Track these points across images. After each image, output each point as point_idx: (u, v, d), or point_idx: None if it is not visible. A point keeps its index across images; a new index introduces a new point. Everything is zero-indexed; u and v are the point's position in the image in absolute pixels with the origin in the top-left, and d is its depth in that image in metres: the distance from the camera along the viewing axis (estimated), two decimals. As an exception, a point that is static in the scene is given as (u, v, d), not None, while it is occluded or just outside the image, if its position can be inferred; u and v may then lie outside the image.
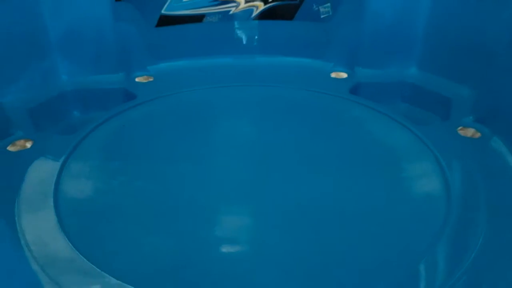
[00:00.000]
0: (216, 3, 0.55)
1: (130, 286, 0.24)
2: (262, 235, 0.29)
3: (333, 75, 0.53)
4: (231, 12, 0.56)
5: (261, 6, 0.56)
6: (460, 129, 0.40)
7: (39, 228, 0.28)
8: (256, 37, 0.57)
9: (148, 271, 0.26)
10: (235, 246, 0.29)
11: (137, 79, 0.51)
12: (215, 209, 0.31)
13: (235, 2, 0.55)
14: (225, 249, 0.28)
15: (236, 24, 0.56)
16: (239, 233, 0.30)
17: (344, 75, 0.52)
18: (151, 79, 0.51)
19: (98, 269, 0.25)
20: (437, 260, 0.27)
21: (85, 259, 0.26)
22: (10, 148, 0.37)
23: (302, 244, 0.28)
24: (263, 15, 0.56)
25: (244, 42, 0.57)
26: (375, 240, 0.28)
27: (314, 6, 0.55)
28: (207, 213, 0.30)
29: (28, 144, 0.37)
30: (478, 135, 0.39)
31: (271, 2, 0.55)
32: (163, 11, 0.54)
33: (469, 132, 0.40)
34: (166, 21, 0.54)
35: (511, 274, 0.25)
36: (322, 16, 0.55)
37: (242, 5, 0.56)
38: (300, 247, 0.28)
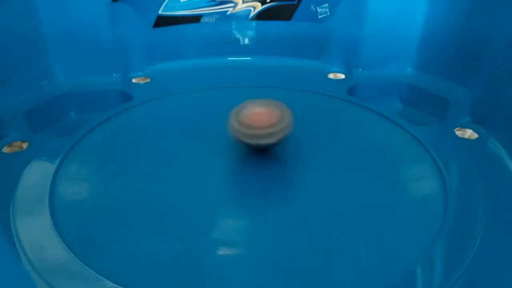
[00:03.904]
0: (213, 3, 0.55)
1: (127, 290, 0.24)
2: (260, 236, 0.29)
3: (330, 76, 0.53)
4: (228, 13, 0.56)
5: (259, 7, 0.56)
6: (457, 130, 0.40)
7: (35, 231, 0.28)
8: (254, 37, 0.57)
9: (145, 274, 0.26)
10: (234, 248, 0.28)
11: (133, 80, 0.51)
12: (213, 211, 0.31)
13: (232, 2, 0.55)
14: (224, 251, 0.28)
15: (233, 25, 0.56)
16: (238, 235, 0.29)
17: (341, 76, 0.53)
18: (147, 80, 0.51)
19: (94, 273, 0.25)
20: (435, 261, 0.27)
21: (81, 262, 0.25)
22: (6, 149, 0.37)
23: (300, 245, 0.28)
24: (261, 16, 0.56)
25: (242, 42, 0.57)
26: (373, 241, 0.28)
27: (312, 7, 0.55)
28: (205, 215, 0.30)
29: (24, 146, 0.37)
30: (475, 136, 0.39)
31: (268, 2, 0.55)
32: (160, 12, 0.54)
33: (467, 133, 0.40)
34: (163, 21, 0.54)
35: (509, 276, 0.25)
36: (319, 17, 0.55)
37: (240, 5, 0.55)
38: (298, 248, 0.28)
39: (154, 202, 0.32)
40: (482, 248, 0.27)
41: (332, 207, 0.31)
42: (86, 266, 0.25)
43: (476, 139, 0.39)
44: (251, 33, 0.56)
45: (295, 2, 0.55)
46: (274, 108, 0.34)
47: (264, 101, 0.35)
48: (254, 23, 0.56)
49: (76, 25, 0.47)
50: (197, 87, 0.49)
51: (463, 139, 0.39)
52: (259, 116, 0.33)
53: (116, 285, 0.24)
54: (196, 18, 0.55)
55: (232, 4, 0.55)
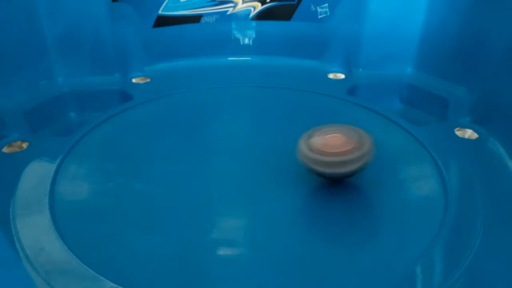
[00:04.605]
0: (213, 3, 0.55)
1: (126, 290, 0.24)
2: (260, 236, 0.29)
3: (330, 76, 0.53)
4: (228, 13, 0.56)
5: (259, 7, 0.56)
6: (458, 130, 0.40)
7: (35, 231, 0.28)
8: (254, 37, 0.57)
9: (145, 274, 0.26)
10: (233, 248, 0.28)
11: (134, 80, 0.51)
12: (212, 210, 0.31)
13: (232, 2, 0.55)
14: (224, 251, 0.28)
15: (233, 25, 0.56)
16: (238, 235, 0.29)
17: (341, 76, 0.53)
18: (148, 80, 0.51)
19: (94, 272, 0.25)
20: (435, 262, 0.27)
21: (80, 262, 0.25)
22: (6, 149, 0.37)
23: (300, 245, 0.28)
24: (261, 16, 0.56)
25: (242, 42, 0.57)
26: (373, 241, 0.28)
27: (312, 7, 0.55)
28: (204, 215, 0.30)
29: (24, 146, 0.37)
30: (475, 136, 0.39)
31: (268, 2, 0.55)
32: (160, 12, 0.54)
33: (467, 133, 0.40)
34: (163, 21, 0.54)
35: (509, 276, 0.25)
36: (319, 17, 0.55)
37: (240, 5, 0.55)
38: (298, 248, 0.28)
39: (154, 202, 0.32)
40: (482, 248, 0.27)
41: (332, 206, 0.31)
42: (86, 266, 0.25)
43: (476, 139, 0.39)
44: (251, 33, 0.56)
45: (295, 2, 0.55)
46: (351, 133, 0.30)
47: (339, 125, 0.31)
48: (254, 23, 0.56)
49: (76, 25, 0.47)
50: (197, 87, 0.49)
51: (463, 139, 0.39)
52: (335, 141, 0.29)
53: (115, 285, 0.24)
54: (196, 18, 0.55)
55: (232, 4, 0.55)
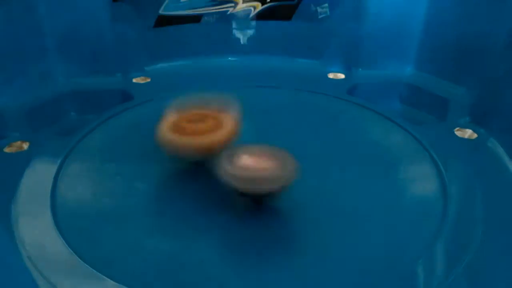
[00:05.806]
0: (214, 3, 0.55)
1: (129, 289, 0.24)
2: (261, 236, 0.29)
3: (330, 75, 0.53)
4: (229, 13, 0.56)
5: (259, 7, 0.56)
6: (457, 130, 0.40)
7: (36, 231, 0.28)
8: (254, 37, 0.57)
9: (147, 274, 0.26)
10: (236, 248, 0.29)
11: (134, 80, 0.51)
12: (215, 211, 0.31)
13: (232, 2, 0.55)
14: (227, 251, 0.28)
15: (233, 25, 0.56)
16: (240, 235, 0.29)
17: (341, 75, 0.53)
18: (148, 80, 0.51)
19: (96, 272, 0.25)
20: (435, 261, 0.27)
21: (82, 262, 0.25)
22: (7, 149, 0.37)
23: (300, 244, 0.28)
24: (261, 15, 0.56)
25: (242, 42, 0.57)
26: (372, 241, 0.28)
27: (312, 7, 0.55)
28: (208, 215, 0.30)
29: (25, 146, 0.37)
30: (475, 136, 0.39)
31: (269, 2, 0.55)
32: (160, 12, 0.54)
33: (466, 133, 0.40)
34: (163, 21, 0.54)
35: (509, 276, 0.26)
36: (320, 17, 0.55)
37: (240, 5, 0.56)
38: (298, 247, 0.28)
39: (155, 202, 0.32)
40: (482, 248, 0.27)
41: (330, 206, 0.31)
42: (87, 265, 0.25)
43: (476, 139, 0.39)
44: (251, 33, 0.57)
45: (294, 2, 0.55)
46: (272, 151, 0.30)
47: (260, 145, 0.30)
48: (254, 23, 0.56)
49: (77, 24, 0.47)
50: (197, 87, 0.49)
51: (462, 139, 0.39)
52: (259, 157, 0.29)
53: (118, 284, 0.24)
54: (196, 18, 0.55)
55: (232, 4, 0.55)
